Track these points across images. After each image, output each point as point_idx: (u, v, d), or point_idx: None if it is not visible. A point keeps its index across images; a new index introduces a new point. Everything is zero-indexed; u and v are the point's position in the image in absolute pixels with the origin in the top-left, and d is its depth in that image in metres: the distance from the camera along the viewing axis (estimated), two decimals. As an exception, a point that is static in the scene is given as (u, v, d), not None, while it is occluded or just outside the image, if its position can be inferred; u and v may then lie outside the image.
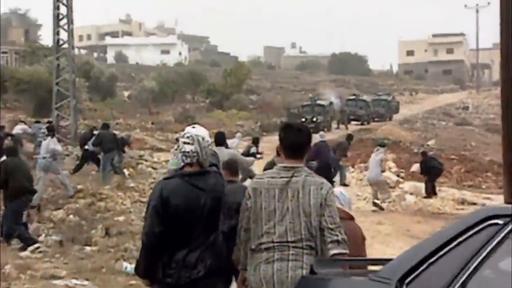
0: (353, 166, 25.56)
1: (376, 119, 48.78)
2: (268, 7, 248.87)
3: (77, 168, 19.64)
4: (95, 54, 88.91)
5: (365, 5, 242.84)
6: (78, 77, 36.07)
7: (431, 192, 20.40)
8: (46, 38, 68.35)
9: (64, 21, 29.45)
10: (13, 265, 9.21)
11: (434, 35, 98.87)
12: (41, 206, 13.53)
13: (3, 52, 53.93)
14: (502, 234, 3.35)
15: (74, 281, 8.60)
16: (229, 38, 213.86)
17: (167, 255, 4.49)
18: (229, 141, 24.49)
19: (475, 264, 3.35)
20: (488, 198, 20.16)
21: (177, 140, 4.72)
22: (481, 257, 3.36)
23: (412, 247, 3.87)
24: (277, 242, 4.35)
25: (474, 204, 19.34)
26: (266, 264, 4.35)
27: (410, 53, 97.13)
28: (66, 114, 29.66)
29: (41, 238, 11.56)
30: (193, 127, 4.80)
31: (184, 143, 4.61)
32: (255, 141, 19.14)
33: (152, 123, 40.00)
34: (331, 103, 45.60)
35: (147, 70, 62.47)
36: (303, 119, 41.04)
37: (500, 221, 3.41)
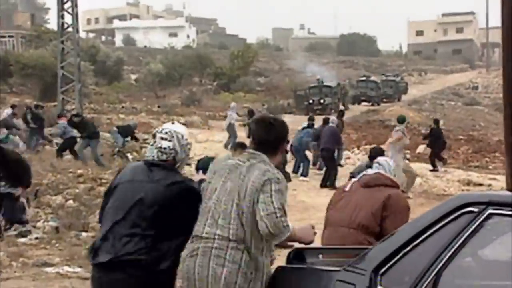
0: (358, 148, 25.35)
1: (384, 100, 48.52)
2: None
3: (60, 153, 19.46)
4: (103, 38, 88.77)
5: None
6: (84, 61, 36.00)
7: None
8: (53, 21, 68.23)
9: (69, 4, 29.24)
10: (6, 252, 9.13)
11: (443, 15, 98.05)
12: (39, 192, 13.39)
13: (10, 36, 53.94)
14: (477, 222, 3.31)
15: (66, 268, 8.50)
16: (238, 20, 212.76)
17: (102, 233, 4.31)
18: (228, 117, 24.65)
19: (450, 253, 3.31)
20: (494, 179, 19.93)
21: (154, 136, 4.46)
22: (456, 246, 3.32)
23: (387, 237, 3.76)
24: (207, 228, 4.03)
25: (480, 185, 19.15)
26: (190, 258, 4.02)
27: (419, 33, 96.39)
28: (71, 98, 29.55)
29: (38, 224, 11.47)
30: (172, 123, 4.58)
31: (162, 138, 4.36)
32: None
33: (158, 107, 39.90)
34: (338, 84, 45.36)
35: (154, 53, 62.30)
36: (311, 101, 40.91)
37: (475, 209, 3.36)
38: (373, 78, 51.58)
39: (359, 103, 45.86)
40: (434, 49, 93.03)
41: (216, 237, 3.97)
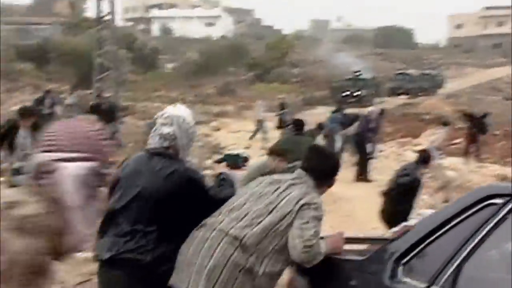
0: (393, 140, 25.18)
1: (420, 93, 48.04)
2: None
3: None
4: (141, 26, 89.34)
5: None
6: (121, 49, 36.29)
7: None
8: (92, 10, 68.78)
9: (107, -8, 29.48)
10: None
11: (484, 8, 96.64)
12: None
13: (48, 24, 54.61)
14: (501, 214, 3.27)
15: (95, 252, 8.55)
16: (274, 11, 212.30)
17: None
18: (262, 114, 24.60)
19: (472, 245, 3.29)
20: (531, 175, 19.61)
21: (155, 122, 4.24)
22: (478, 238, 3.30)
23: None
24: (222, 223, 3.87)
25: (516, 180, 18.84)
26: (196, 246, 3.86)
27: (459, 26, 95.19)
28: (108, 86, 29.80)
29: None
30: (174, 107, 4.30)
31: (162, 124, 4.15)
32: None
33: (194, 96, 40.08)
34: (374, 77, 45.07)
35: (191, 43, 62.57)
36: (346, 93, 40.72)
37: (499, 201, 3.32)
38: (410, 71, 51.17)
39: (395, 96, 45.51)
40: (474, 43, 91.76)
41: (227, 236, 3.80)
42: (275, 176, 4.14)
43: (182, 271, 3.86)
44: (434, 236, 3.48)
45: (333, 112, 21.15)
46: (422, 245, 3.51)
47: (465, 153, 21.45)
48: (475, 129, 21.48)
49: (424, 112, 34.20)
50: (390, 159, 21.74)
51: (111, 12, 29.45)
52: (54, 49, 39.94)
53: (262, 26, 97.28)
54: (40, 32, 50.41)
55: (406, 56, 71.66)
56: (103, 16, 29.82)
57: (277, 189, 3.94)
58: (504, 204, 3.27)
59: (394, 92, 46.24)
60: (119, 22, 48.27)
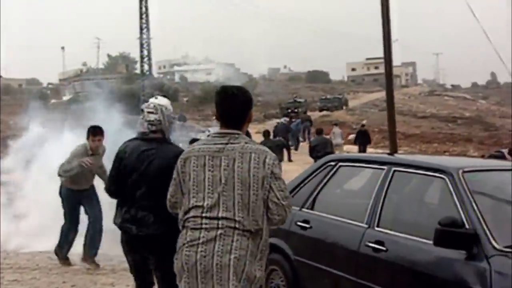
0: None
1: (333, 109, 48.13)
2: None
3: None
4: (167, 77, 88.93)
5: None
6: (156, 91, 36.45)
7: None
8: (138, 68, 67.51)
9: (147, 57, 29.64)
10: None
11: (367, 58, 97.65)
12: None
13: (114, 78, 54.44)
14: (333, 170, 3.80)
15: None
16: (249, 61, 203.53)
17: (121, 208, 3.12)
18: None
19: (320, 186, 3.83)
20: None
21: (142, 110, 3.21)
22: (324, 182, 3.82)
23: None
24: (205, 218, 2.29)
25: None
26: (190, 247, 2.30)
27: (354, 69, 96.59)
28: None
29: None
30: (156, 98, 3.32)
31: (149, 112, 3.15)
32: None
33: (199, 116, 39.97)
34: (305, 100, 45.39)
35: (197, 85, 62.70)
36: (288, 110, 40.53)
37: (332, 163, 3.86)
38: (328, 96, 52.05)
39: (320, 111, 45.63)
40: (363, 78, 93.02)
41: (219, 227, 2.30)
42: (211, 149, 2.43)
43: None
44: (301, 184, 3.92)
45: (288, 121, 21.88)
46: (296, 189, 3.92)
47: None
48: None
49: (335, 119, 34.81)
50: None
51: (149, 70, 29.90)
52: (118, 93, 40.06)
53: (240, 72, 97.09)
54: (110, 83, 50.19)
55: (324, 87, 72.47)
56: (145, 72, 30.25)
57: (233, 162, 2.36)
58: (335, 165, 3.76)
59: (319, 109, 46.32)
60: (155, 74, 48.47)
